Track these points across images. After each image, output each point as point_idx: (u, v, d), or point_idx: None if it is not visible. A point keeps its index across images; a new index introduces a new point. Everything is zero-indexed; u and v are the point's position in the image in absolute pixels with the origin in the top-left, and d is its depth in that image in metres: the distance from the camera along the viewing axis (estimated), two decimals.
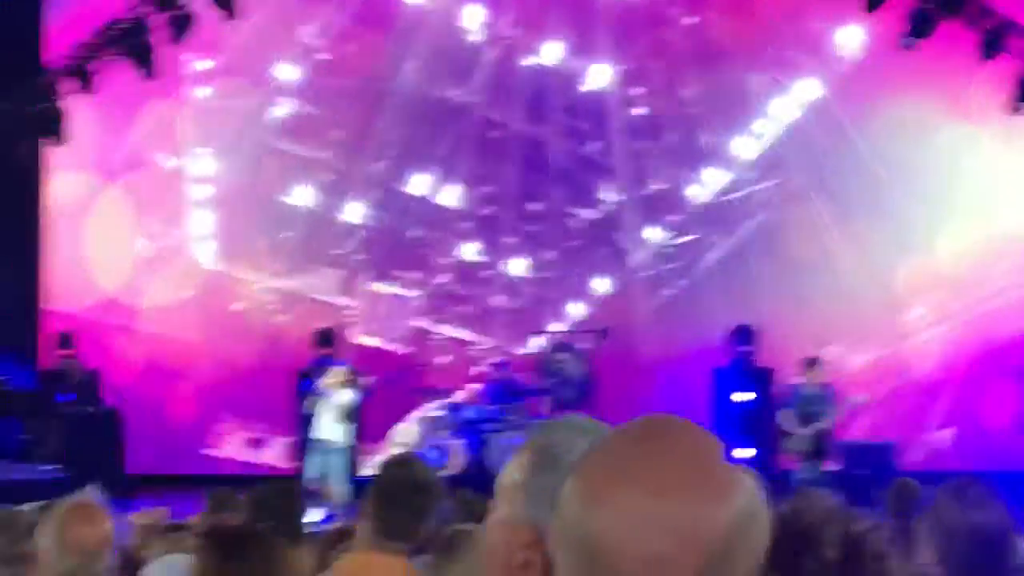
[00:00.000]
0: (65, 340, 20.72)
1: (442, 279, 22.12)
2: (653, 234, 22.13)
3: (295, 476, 17.49)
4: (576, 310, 21.96)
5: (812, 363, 17.51)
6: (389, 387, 19.58)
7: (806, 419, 17.12)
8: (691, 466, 1.70)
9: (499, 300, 22.03)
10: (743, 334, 20.08)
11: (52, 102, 20.14)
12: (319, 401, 17.26)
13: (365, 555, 4.75)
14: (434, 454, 18.79)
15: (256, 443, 21.51)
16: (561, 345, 20.15)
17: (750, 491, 1.73)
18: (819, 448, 17.22)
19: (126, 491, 18.26)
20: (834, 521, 2.09)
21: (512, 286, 22.06)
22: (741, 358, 19.93)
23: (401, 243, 22.11)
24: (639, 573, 1.65)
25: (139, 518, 10.31)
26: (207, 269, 21.79)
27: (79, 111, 20.43)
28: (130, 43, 19.95)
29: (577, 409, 19.33)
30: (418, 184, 22.20)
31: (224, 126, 21.90)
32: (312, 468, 17.17)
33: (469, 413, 19.55)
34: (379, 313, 21.95)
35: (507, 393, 19.86)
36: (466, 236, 22.25)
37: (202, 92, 21.98)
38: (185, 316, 21.58)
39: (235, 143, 21.90)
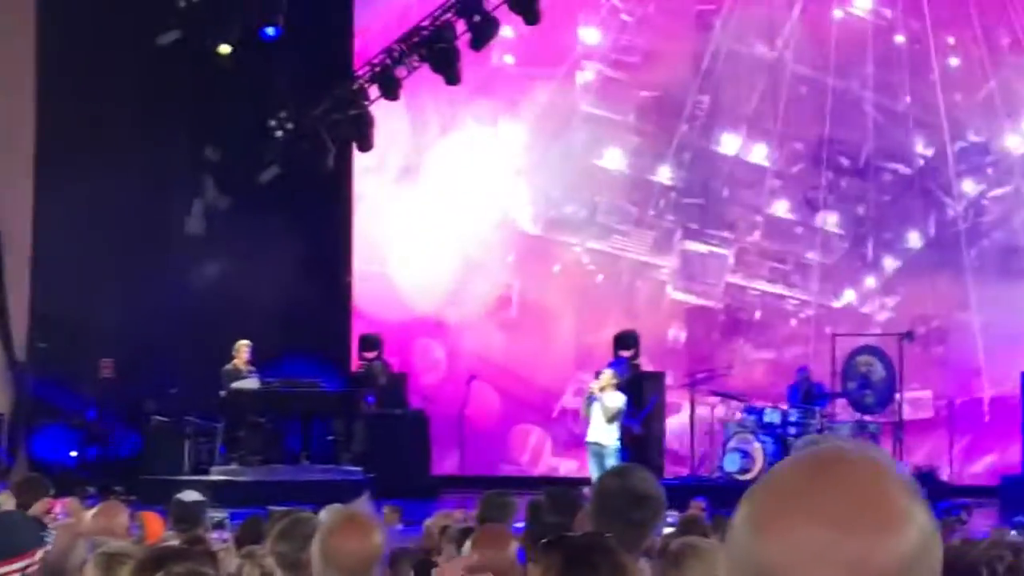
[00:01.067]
0: (371, 343, 21.55)
1: (754, 236, 22.35)
2: (968, 187, 21.67)
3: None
4: (891, 264, 21.88)
5: None
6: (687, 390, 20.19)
7: None
8: (865, 496, 1.69)
9: (812, 255, 22.14)
10: None
11: (361, 108, 20.82)
12: (590, 405, 17.70)
13: None
14: (736, 457, 19.11)
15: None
16: (864, 348, 20.00)
17: (924, 523, 1.71)
18: None
19: (430, 493, 19.67)
20: (999, 557, 2.00)
21: (825, 241, 22.10)
22: None
23: (712, 202, 22.39)
24: None
25: (436, 520, 11.39)
26: (528, 234, 22.57)
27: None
28: (434, 50, 20.31)
29: (879, 411, 19.64)
30: (728, 143, 22.32)
31: (532, 93, 22.42)
32: (592, 471, 17.50)
33: (771, 416, 19.57)
34: (694, 271, 22.42)
35: (809, 396, 19.89)
36: (776, 193, 22.35)
37: (508, 59, 22.50)
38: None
39: (545, 110, 22.40)
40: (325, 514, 5.77)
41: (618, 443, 17.60)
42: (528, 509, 7.23)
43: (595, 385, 17.71)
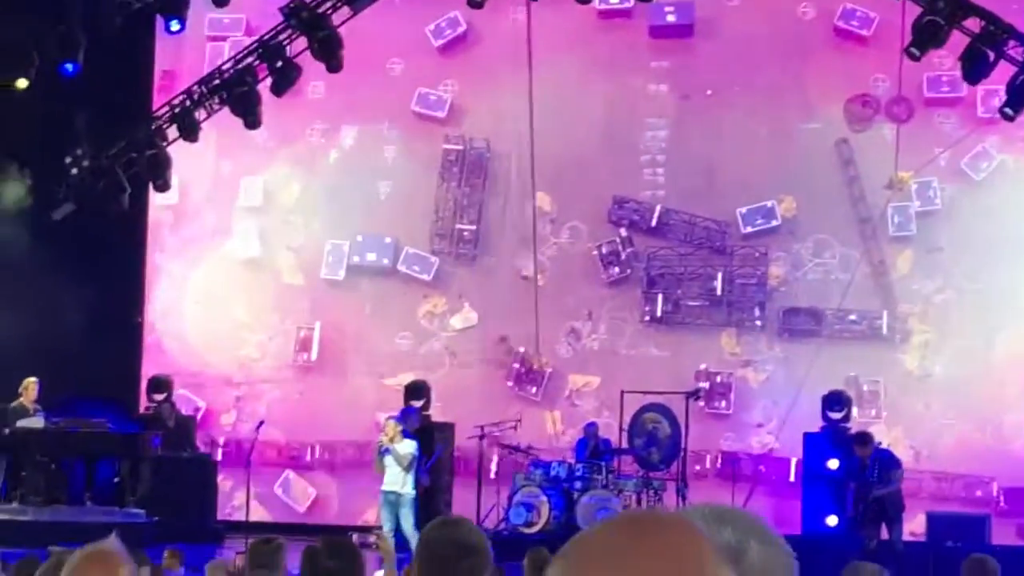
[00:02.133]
0: (160, 385, 21.12)
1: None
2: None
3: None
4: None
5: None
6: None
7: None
8: (674, 563, 1.68)
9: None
10: (835, 400, 19.55)
11: (158, 149, 20.38)
12: (382, 457, 17.55)
13: None
14: (522, 510, 18.96)
15: None
16: (651, 406, 19.81)
17: None
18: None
19: (215, 538, 19.24)
20: None
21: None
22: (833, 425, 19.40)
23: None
24: None
25: (212, 568, 11.14)
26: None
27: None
28: (234, 93, 19.93)
29: (664, 468, 19.54)
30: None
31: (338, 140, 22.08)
32: (385, 521, 17.48)
33: (557, 470, 19.47)
34: None
35: (596, 452, 19.79)
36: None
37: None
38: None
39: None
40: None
41: (414, 491, 17.62)
42: (304, 555, 6.93)
43: (383, 438, 17.67)
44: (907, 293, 20.75)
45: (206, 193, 22.26)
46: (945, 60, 19.90)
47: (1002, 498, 20.18)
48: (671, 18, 21.25)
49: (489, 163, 21.63)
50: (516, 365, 21.53)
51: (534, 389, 21.58)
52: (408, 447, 17.56)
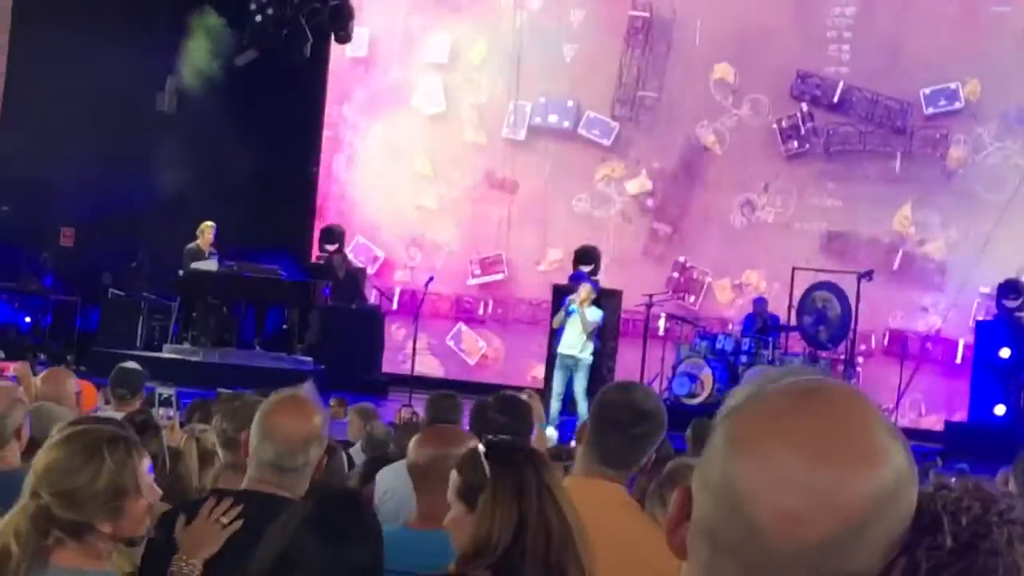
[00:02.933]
0: (332, 235, 21.49)
1: None
2: None
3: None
4: None
5: None
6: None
7: None
8: (843, 428, 1.68)
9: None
10: (1012, 288, 19.41)
11: (340, 0, 20.48)
12: (566, 317, 17.66)
13: (579, 480, 4.59)
14: (685, 380, 19.07)
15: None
16: (822, 284, 19.89)
17: (901, 465, 1.71)
18: None
19: (379, 389, 19.58)
20: (962, 509, 1.84)
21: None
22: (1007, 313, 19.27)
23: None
24: (773, 526, 1.66)
25: (355, 411, 11.27)
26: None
27: None
28: None
29: (832, 347, 19.78)
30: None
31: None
32: (558, 383, 17.65)
33: (724, 343, 19.55)
34: None
35: (764, 327, 19.89)
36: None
37: None
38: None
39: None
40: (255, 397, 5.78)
41: (592, 358, 17.63)
42: (474, 409, 7.05)
43: (575, 298, 17.63)
44: None
45: (394, 48, 22.64)
46: None
47: None
48: None
49: (674, 31, 21.74)
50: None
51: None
52: (595, 314, 17.57)
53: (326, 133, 23.03)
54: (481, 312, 22.35)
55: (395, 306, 22.11)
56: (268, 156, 21.03)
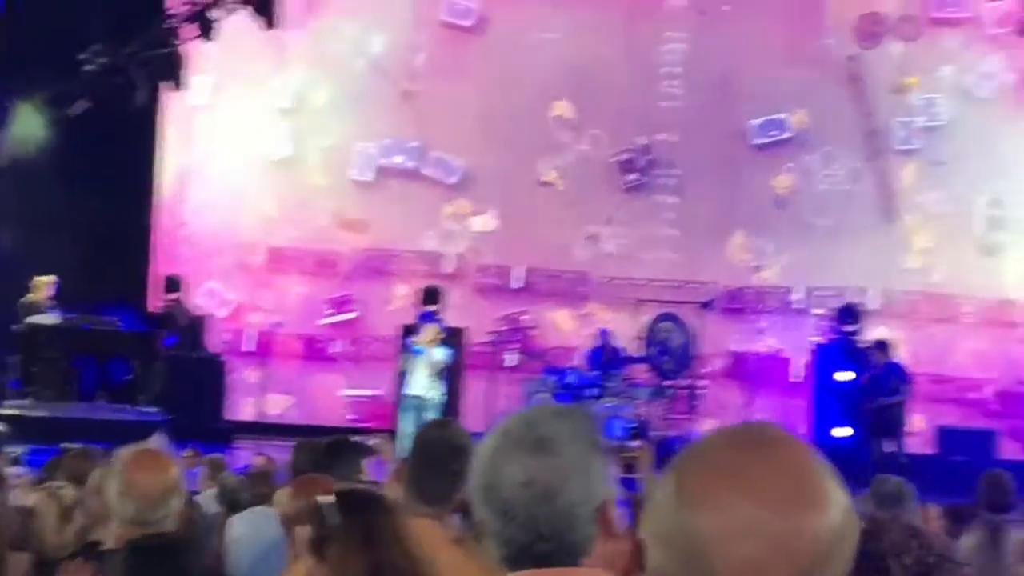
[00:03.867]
0: (173, 284, 21.29)
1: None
2: None
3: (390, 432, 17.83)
4: None
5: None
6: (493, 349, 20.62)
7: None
8: (792, 477, 1.76)
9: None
10: (848, 313, 20.17)
11: (173, 48, 20.45)
12: (413, 358, 17.69)
13: None
14: None
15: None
16: (665, 315, 20.44)
17: (845, 505, 1.79)
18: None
19: (224, 437, 19.25)
20: (910, 550, 2.07)
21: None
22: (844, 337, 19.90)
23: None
24: (733, 574, 1.71)
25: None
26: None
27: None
28: None
29: (676, 376, 20.23)
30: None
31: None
32: (407, 424, 17.42)
33: (571, 378, 19.63)
34: None
35: (609, 360, 19.98)
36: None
37: None
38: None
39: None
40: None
41: (441, 398, 17.78)
42: (298, 449, 7.36)
43: (421, 339, 17.77)
44: (910, 204, 21.66)
45: (238, 93, 22.93)
46: None
47: (996, 401, 21.21)
48: None
49: (513, 70, 22.27)
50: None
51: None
52: (442, 354, 17.67)
53: (171, 180, 23.01)
54: (334, 351, 22.65)
55: (252, 347, 22.26)
56: (103, 207, 20.72)
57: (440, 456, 4.60)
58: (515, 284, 22.33)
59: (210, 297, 22.52)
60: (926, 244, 21.61)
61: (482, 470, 2.51)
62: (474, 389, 20.45)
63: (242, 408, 21.58)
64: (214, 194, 22.83)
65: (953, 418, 20.74)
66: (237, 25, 20.32)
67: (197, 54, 20.99)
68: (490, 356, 20.69)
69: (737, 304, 21.87)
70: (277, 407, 22.05)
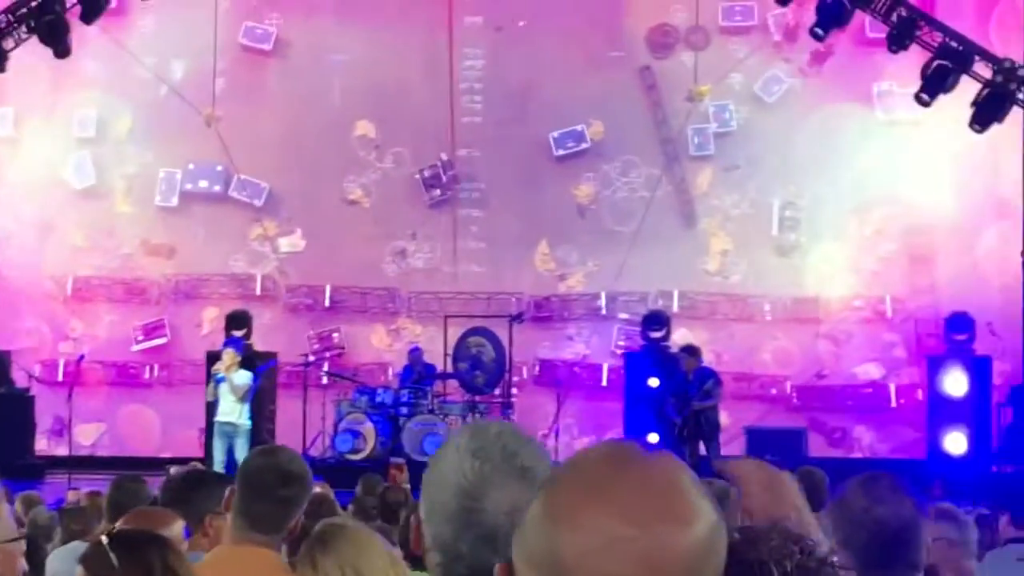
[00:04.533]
0: None
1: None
2: None
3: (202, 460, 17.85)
4: None
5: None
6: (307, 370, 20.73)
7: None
8: (658, 494, 1.75)
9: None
10: (655, 319, 20.52)
11: None
12: (216, 386, 17.74)
13: (231, 548, 4.59)
14: (348, 437, 19.29)
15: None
16: (475, 330, 20.62)
17: (713, 518, 1.79)
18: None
19: (34, 473, 19.02)
20: (785, 556, 2.06)
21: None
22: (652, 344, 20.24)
23: None
24: None
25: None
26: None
27: None
28: (42, 22, 19.53)
29: (489, 391, 20.40)
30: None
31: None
32: (218, 451, 17.66)
33: (383, 396, 19.78)
34: None
35: (420, 377, 20.23)
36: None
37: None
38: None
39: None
40: None
41: (249, 422, 17.79)
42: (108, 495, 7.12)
43: (220, 365, 17.83)
44: (707, 208, 22.34)
45: (37, 124, 22.81)
46: None
47: (794, 395, 21.97)
48: None
49: (313, 92, 22.54)
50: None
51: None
52: (244, 377, 17.70)
53: None
54: (147, 376, 22.65)
55: (60, 378, 22.19)
56: None
57: (269, 483, 4.56)
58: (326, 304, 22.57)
59: (16, 331, 22.36)
60: (724, 246, 22.24)
61: (462, 493, 2.50)
62: (289, 410, 20.54)
63: (52, 441, 21.53)
64: (19, 226, 22.73)
65: (755, 414, 21.39)
66: (34, 55, 20.27)
67: None
68: (302, 376, 20.78)
69: (545, 312, 22.33)
70: (88, 438, 22.02)
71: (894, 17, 18.73)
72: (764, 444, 19.39)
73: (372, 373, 21.85)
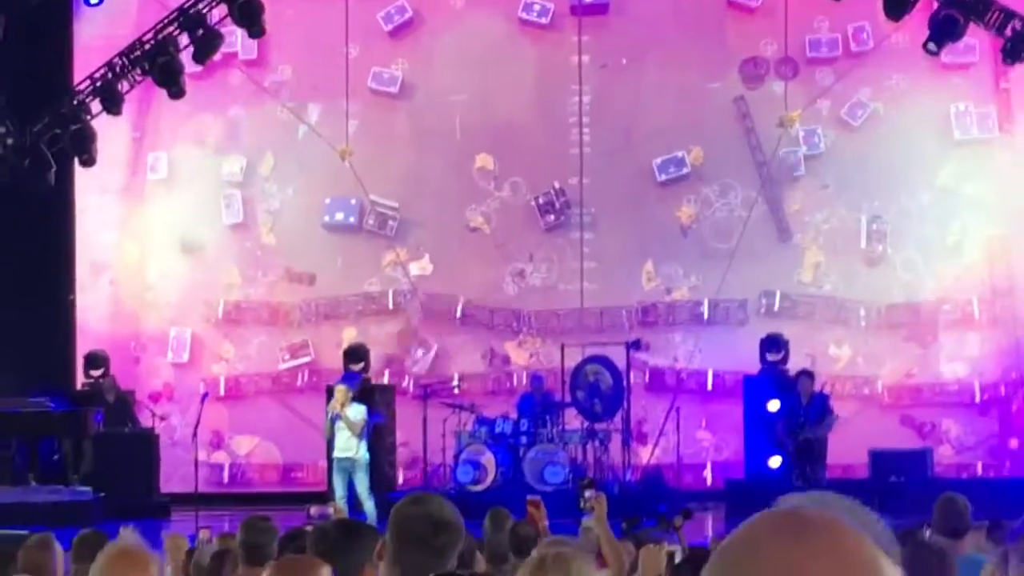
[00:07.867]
0: (97, 361, 21.70)
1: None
2: None
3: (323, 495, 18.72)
4: None
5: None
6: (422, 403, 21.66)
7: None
8: (848, 567, 1.62)
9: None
10: (773, 343, 21.49)
11: (82, 123, 20.65)
12: (333, 425, 18.19)
13: None
14: (469, 468, 19.61)
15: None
16: (592, 358, 21.37)
17: None
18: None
19: (161, 512, 19.73)
20: None
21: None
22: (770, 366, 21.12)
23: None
24: None
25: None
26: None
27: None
28: (156, 63, 20.46)
29: (608, 419, 21.08)
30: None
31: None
32: (339, 486, 18.12)
33: (503, 427, 20.05)
34: None
35: (540, 406, 20.60)
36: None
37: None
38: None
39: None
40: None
41: (367, 455, 18.17)
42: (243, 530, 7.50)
43: (334, 403, 18.23)
44: (800, 224, 24.23)
45: (194, 167, 25.15)
46: (823, 23, 23.63)
47: (885, 394, 23.74)
48: None
49: (438, 130, 24.64)
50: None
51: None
52: (358, 412, 18.09)
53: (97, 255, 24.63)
54: (299, 383, 24.57)
55: (221, 392, 24.26)
56: (23, 288, 21.47)
57: (421, 532, 4.54)
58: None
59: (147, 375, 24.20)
60: (817, 259, 24.11)
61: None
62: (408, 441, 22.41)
63: (210, 450, 23.66)
64: (175, 260, 25.02)
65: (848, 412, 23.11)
66: (186, 102, 22.56)
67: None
68: (422, 406, 21.52)
69: (651, 318, 24.21)
70: (244, 448, 24.30)
71: (1008, 31, 19.69)
72: (889, 465, 20.01)
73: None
